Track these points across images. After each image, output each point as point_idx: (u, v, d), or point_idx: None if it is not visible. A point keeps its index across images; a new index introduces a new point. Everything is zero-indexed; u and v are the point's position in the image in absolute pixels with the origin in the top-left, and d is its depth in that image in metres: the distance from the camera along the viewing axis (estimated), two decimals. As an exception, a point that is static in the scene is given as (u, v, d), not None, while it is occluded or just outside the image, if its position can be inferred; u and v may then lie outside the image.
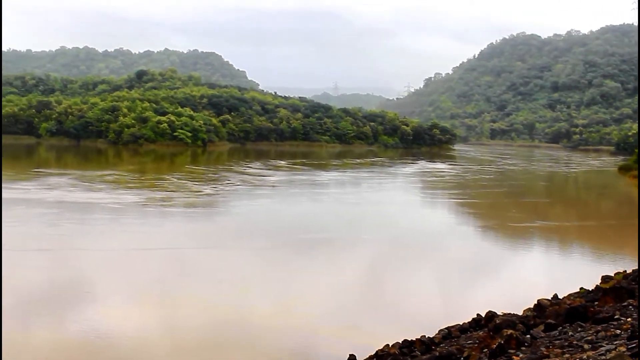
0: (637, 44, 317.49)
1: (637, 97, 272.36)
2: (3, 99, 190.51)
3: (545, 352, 10.49)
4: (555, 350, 10.50)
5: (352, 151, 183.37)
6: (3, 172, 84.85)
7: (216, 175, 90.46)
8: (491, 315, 15.01)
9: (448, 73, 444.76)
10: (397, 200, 75.13)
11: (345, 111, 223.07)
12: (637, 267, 18.53)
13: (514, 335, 11.61)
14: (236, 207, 63.26)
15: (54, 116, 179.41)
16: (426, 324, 21.80)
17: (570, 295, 17.48)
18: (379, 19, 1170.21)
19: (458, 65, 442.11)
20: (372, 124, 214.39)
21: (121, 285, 32.36)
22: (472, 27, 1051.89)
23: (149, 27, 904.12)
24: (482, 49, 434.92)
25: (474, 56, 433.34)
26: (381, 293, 32.57)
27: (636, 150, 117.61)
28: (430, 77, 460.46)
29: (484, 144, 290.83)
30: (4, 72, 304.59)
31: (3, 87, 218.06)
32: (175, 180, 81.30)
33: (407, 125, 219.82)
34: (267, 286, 33.06)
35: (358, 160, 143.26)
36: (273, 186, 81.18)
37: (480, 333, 13.86)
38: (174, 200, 62.19)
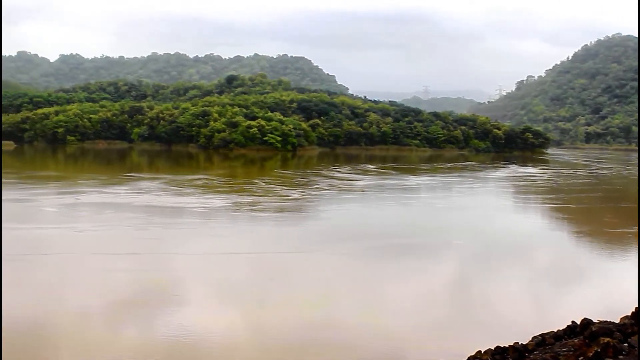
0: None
1: None
2: (97, 104, 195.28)
3: (643, 361, 9.81)
4: (654, 359, 9.80)
5: (443, 155, 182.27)
6: (96, 177, 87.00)
7: (305, 180, 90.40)
8: (587, 322, 14.21)
9: (541, 76, 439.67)
10: (488, 205, 73.87)
11: (435, 115, 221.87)
12: None
13: (611, 344, 11.02)
14: (324, 211, 62.94)
15: (145, 121, 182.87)
16: (519, 330, 21.06)
17: (671, 303, 16.51)
18: (470, 22, 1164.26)
19: (551, 67, 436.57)
20: (462, 127, 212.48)
21: (209, 289, 32.37)
22: (565, 29, 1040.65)
23: (239, 33, 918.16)
24: (576, 51, 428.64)
25: (568, 58, 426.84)
26: (472, 298, 31.74)
27: None
28: (523, 80, 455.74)
29: (578, 148, 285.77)
30: (98, 79, 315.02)
31: (97, 93, 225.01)
32: (264, 184, 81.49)
33: (498, 129, 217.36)
34: (355, 291, 32.54)
35: (448, 165, 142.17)
36: (362, 191, 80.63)
37: (576, 341, 13.20)
38: (261, 204, 62.16)
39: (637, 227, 54.76)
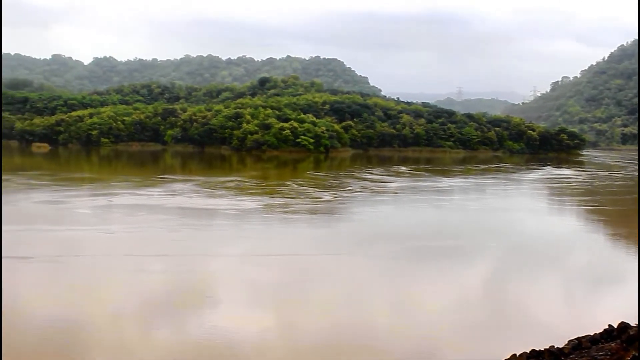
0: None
1: None
2: (130, 106, 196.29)
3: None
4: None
5: (477, 157, 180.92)
6: (130, 179, 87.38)
7: (337, 182, 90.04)
8: (624, 326, 13.97)
9: (576, 76, 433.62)
10: (522, 207, 73.15)
11: (469, 116, 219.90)
12: None
13: (649, 347, 10.71)
14: (357, 213, 62.72)
15: (178, 123, 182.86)
16: (554, 334, 20.89)
17: None
18: (503, 23, 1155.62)
19: (586, 68, 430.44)
20: (496, 129, 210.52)
21: (241, 290, 32.40)
22: (600, 29, 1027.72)
23: (272, 35, 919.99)
24: (612, 51, 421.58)
25: (604, 59, 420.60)
26: (507, 301, 31.49)
27: None
28: (557, 81, 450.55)
29: (614, 149, 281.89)
30: (131, 81, 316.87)
31: (131, 96, 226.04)
32: (296, 186, 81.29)
33: (533, 131, 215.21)
34: (388, 293, 32.42)
35: (482, 166, 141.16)
36: (395, 193, 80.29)
37: (613, 344, 12.99)
38: (293, 206, 62.07)
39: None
